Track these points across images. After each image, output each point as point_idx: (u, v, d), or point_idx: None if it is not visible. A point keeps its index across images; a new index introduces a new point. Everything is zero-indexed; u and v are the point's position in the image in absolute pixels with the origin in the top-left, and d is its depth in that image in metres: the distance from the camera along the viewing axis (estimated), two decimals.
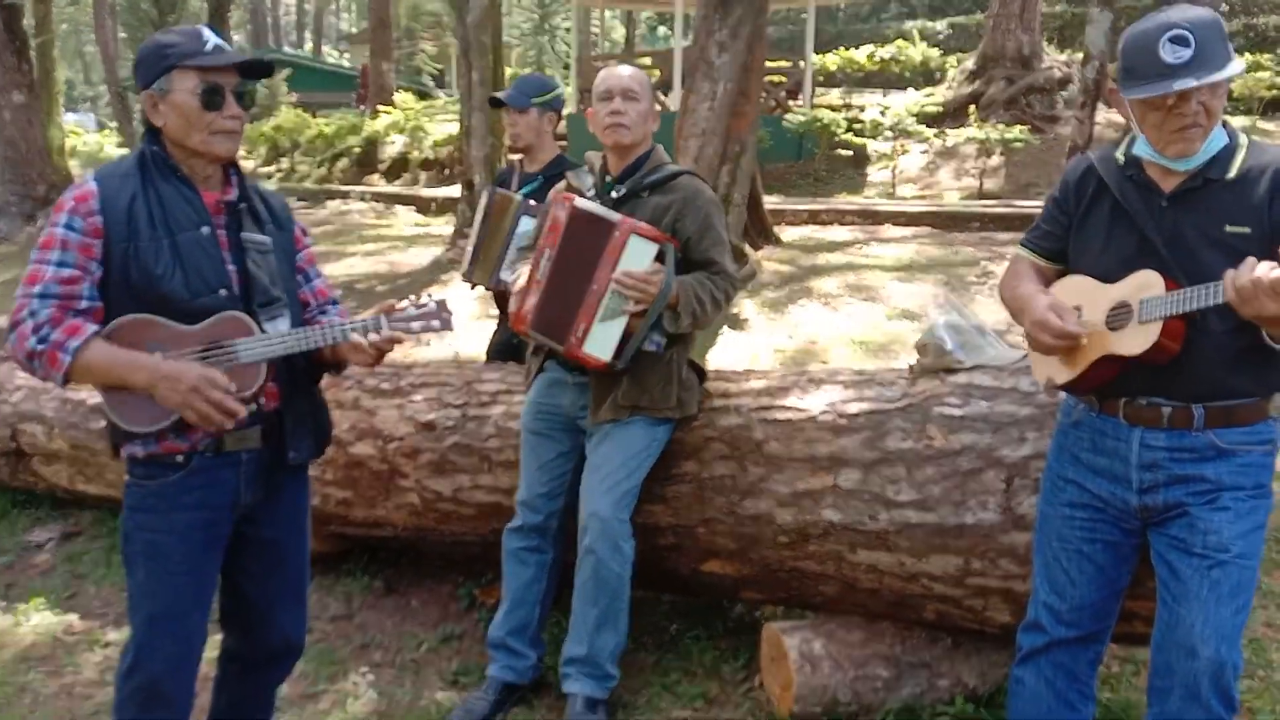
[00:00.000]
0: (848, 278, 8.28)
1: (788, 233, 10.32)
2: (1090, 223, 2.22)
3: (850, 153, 13.93)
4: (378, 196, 15.71)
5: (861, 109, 15.56)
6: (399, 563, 3.83)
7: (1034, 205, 11.04)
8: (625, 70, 2.92)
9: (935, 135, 13.75)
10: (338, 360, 2.28)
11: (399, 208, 14.91)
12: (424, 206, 14.65)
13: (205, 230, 2.12)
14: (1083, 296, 2.17)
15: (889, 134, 13.54)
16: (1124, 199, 2.14)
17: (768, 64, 11.73)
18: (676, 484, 2.96)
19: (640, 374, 2.81)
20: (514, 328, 2.95)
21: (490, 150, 10.70)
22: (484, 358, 3.99)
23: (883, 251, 9.30)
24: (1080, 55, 13.36)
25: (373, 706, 3.00)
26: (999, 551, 2.60)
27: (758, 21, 7.91)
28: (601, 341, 2.73)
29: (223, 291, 2.11)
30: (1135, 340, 2.05)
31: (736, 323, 7.14)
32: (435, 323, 2.26)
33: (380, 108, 19.65)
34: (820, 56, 17.79)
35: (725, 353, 6.60)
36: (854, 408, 2.83)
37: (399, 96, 20.89)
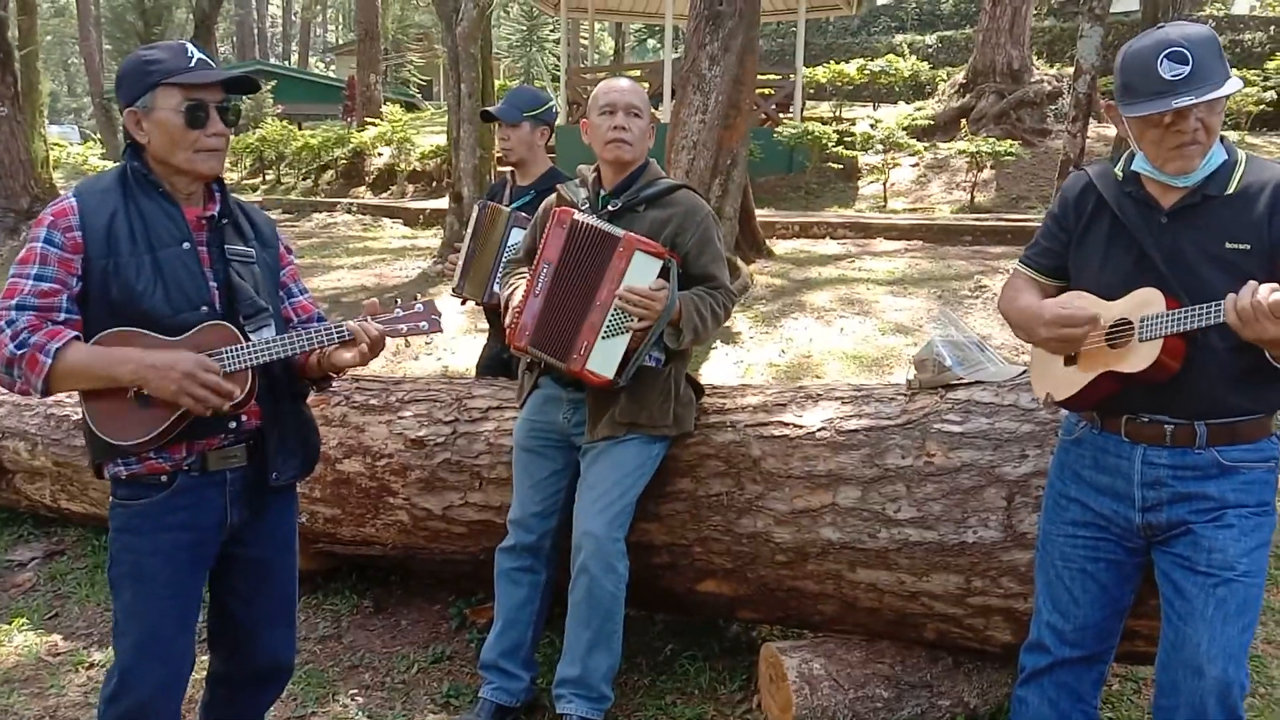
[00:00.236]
0: (840, 291, 8.27)
1: (779, 246, 10.32)
2: (1089, 239, 2.20)
3: (841, 166, 13.96)
4: (364, 209, 15.66)
5: (852, 122, 15.61)
6: (388, 581, 3.78)
7: (1025, 219, 11.08)
8: (626, 84, 2.88)
9: (926, 148, 13.79)
10: (323, 373, 2.24)
11: (386, 220, 14.86)
12: (411, 219, 14.61)
13: (186, 246, 2.08)
14: None
15: (879, 147, 13.56)
16: (1123, 215, 2.12)
17: (758, 77, 11.72)
18: (672, 502, 2.92)
19: (639, 390, 2.78)
20: (510, 343, 2.90)
21: (479, 162, 10.67)
22: (473, 372, 3.95)
23: (875, 265, 9.30)
24: (1069, 69, 13.44)
25: None
26: (1000, 570, 2.56)
27: (749, 34, 7.90)
28: (605, 359, 2.69)
29: (204, 308, 2.08)
30: (1136, 358, 2.03)
31: (729, 336, 7.11)
32: (423, 324, 2.23)
33: (367, 119, 19.63)
34: (810, 69, 17.83)
35: (718, 367, 6.58)
36: (852, 424, 2.79)
37: (386, 108, 20.86)
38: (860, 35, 25.08)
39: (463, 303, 3.74)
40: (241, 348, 2.06)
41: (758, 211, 10.29)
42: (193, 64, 2.06)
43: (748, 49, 7.92)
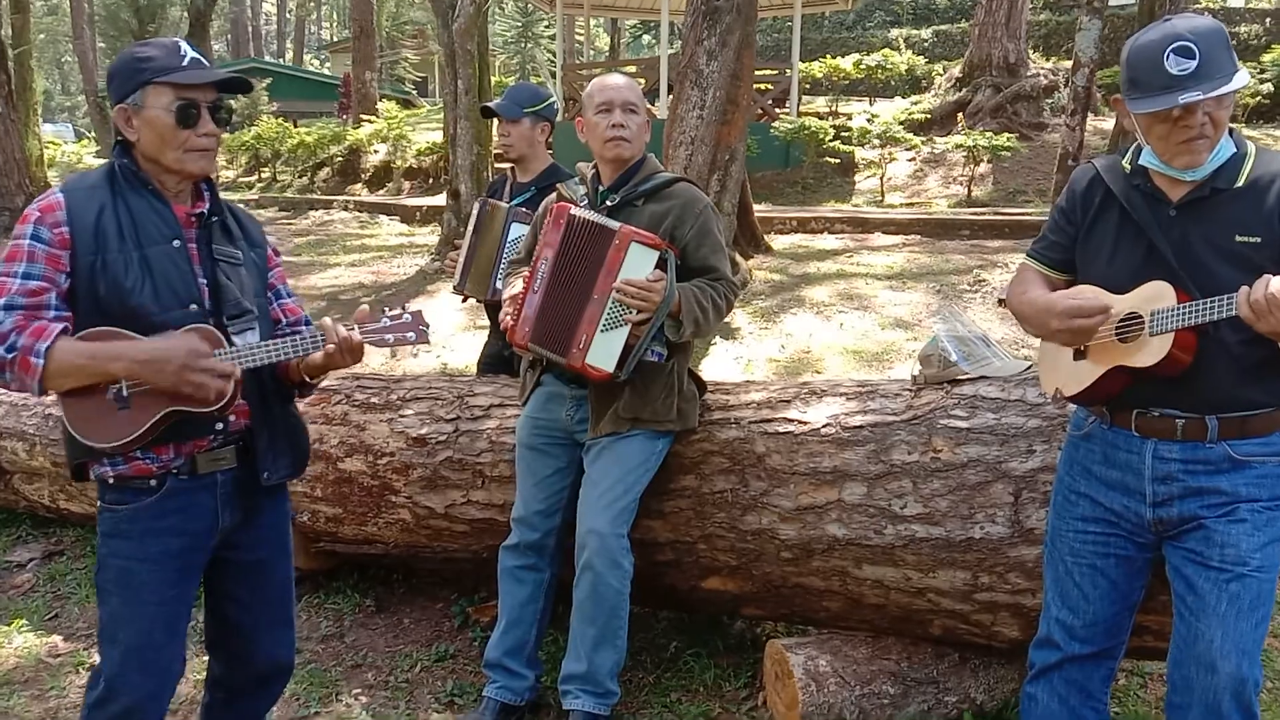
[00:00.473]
0: (839, 286, 8.26)
1: (777, 241, 10.30)
2: (1097, 232, 2.18)
3: (837, 160, 13.94)
4: (361, 206, 15.63)
5: (848, 117, 15.60)
6: (390, 580, 3.76)
7: (1023, 213, 11.07)
8: (621, 80, 2.86)
9: (922, 143, 13.78)
10: (307, 377, 2.21)
11: (383, 217, 14.83)
12: (408, 216, 14.58)
13: (176, 244, 2.05)
14: None
15: (876, 142, 13.55)
16: (1131, 208, 2.11)
17: (754, 73, 11.70)
18: (676, 499, 2.91)
19: (641, 386, 2.76)
20: (510, 340, 2.88)
21: (476, 159, 10.63)
22: (473, 370, 3.92)
23: (873, 260, 9.28)
24: (1065, 63, 13.43)
25: None
26: (1008, 565, 2.55)
27: (746, 29, 7.88)
28: (604, 352, 2.67)
29: (193, 306, 2.05)
30: (1147, 352, 2.01)
31: (729, 332, 7.10)
32: (410, 334, 2.19)
33: (363, 116, 19.57)
34: (806, 64, 17.82)
35: (718, 363, 6.56)
36: (857, 420, 2.78)
37: (381, 105, 20.82)
38: (856, 30, 25.06)
39: (464, 300, 3.72)
40: (227, 353, 2.02)
41: (755, 207, 10.28)
42: (185, 63, 2.03)
43: (745, 44, 7.90)
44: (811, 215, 11.58)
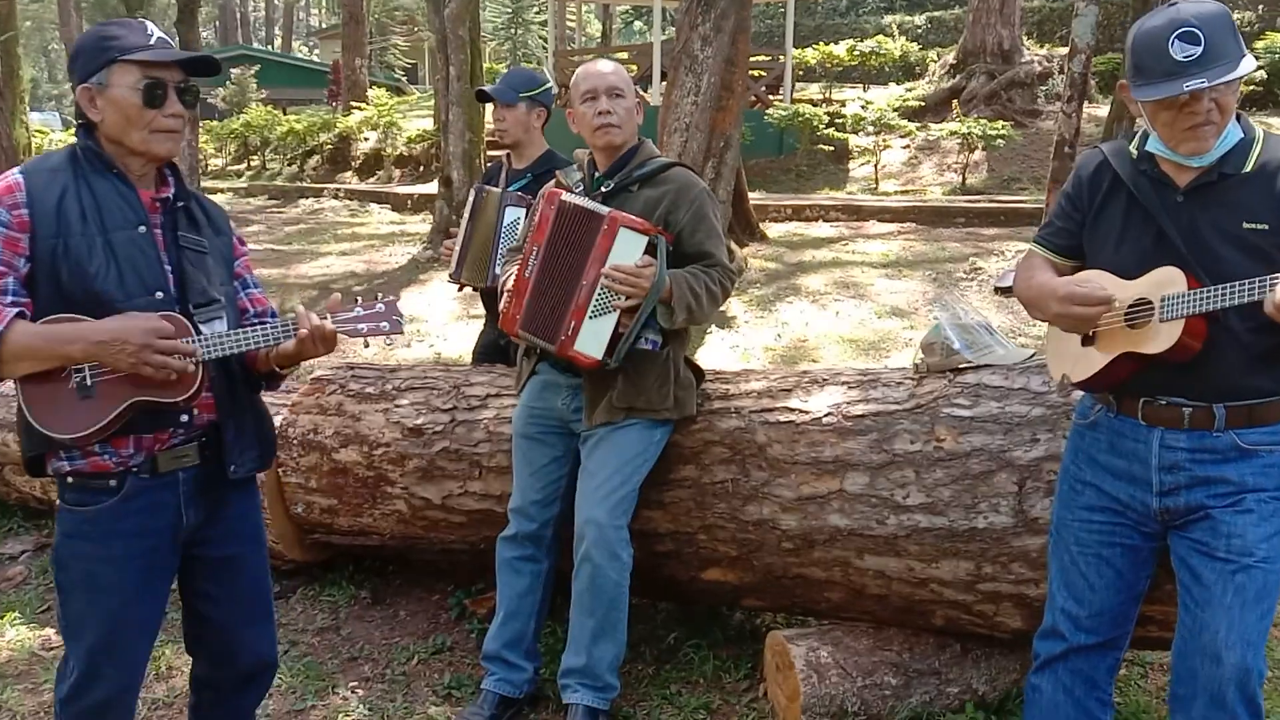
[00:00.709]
0: (834, 274, 8.24)
1: (771, 229, 10.28)
2: (1105, 218, 2.15)
3: (831, 148, 13.90)
4: (351, 194, 15.56)
5: (842, 104, 15.53)
6: (386, 571, 3.73)
7: (1018, 200, 11.05)
8: (606, 66, 2.83)
9: (917, 130, 13.73)
10: (277, 367, 2.14)
11: (373, 205, 14.76)
12: (399, 204, 14.51)
13: (142, 229, 1.99)
14: None
15: (870, 129, 13.51)
16: (1139, 193, 2.08)
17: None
18: (675, 489, 2.88)
19: (636, 374, 2.73)
20: (504, 329, 2.85)
21: (468, 146, 10.57)
22: (468, 359, 3.89)
23: (868, 247, 9.26)
24: (1060, 49, 13.39)
25: None
26: (1011, 555, 2.53)
27: (740, 15, 7.84)
28: (592, 339, 2.64)
29: (159, 294, 1.98)
30: (1157, 339, 1.99)
31: (724, 321, 7.07)
32: (384, 324, 2.14)
33: (353, 104, 19.45)
34: (799, 51, 17.74)
35: (714, 351, 6.53)
36: (859, 409, 2.75)
37: (371, 92, 20.68)
38: (849, 16, 24.98)
39: (460, 289, 3.68)
40: (193, 340, 1.96)
41: (749, 194, 10.24)
42: (152, 41, 1.97)
43: (740, 30, 7.85)
44: (806, 203, 11.56)
